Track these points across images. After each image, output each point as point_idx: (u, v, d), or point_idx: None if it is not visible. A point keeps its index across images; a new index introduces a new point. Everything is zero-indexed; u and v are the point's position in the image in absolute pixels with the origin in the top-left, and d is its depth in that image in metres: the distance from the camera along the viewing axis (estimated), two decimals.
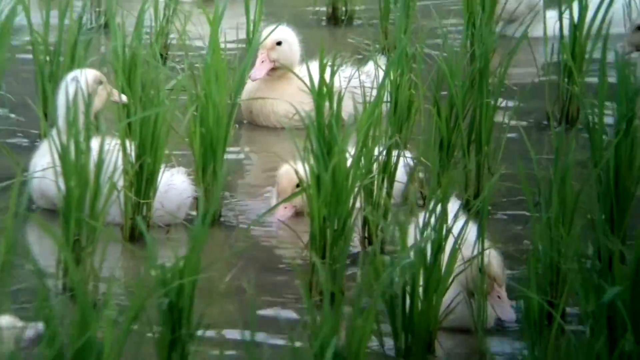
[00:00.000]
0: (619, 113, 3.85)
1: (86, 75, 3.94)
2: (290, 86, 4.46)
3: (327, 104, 3.74)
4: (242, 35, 4.80)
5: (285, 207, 3.84)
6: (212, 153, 4.01)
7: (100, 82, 3.99)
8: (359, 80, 4.32)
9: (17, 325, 3.05)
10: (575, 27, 4.60)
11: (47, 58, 4.27)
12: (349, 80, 4.31)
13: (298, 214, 3.92)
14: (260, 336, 3.13)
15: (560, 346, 3.20)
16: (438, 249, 3.31)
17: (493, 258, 3.44)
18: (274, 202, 3.92)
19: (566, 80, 4.65)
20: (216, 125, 3.98)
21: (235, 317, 3.51)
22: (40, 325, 3.00)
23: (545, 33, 4.75)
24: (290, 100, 4.43)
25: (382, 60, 4.30)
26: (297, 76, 4.22)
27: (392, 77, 4.05)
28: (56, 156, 3.64)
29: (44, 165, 3.87)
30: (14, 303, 3.41)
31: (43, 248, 3.78)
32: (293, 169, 3.75)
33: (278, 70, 4.50)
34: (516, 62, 4.64)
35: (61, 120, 3.85)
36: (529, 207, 3.55)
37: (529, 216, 3.57)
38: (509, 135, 4.27)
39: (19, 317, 3.11)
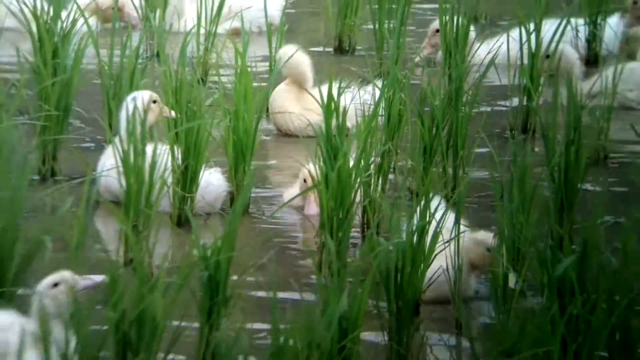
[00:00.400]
0: (567, 124, 3.91)
1: (143, 95, 3.98)
2: (305, 103, 4.52)
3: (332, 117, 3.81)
4: (266, 61, 4.87)
5: (314, 202, 3.83)
6: (242, 156, 4.09)
7: (154, 101, 4.06)
8: (360, 99, 4.38)
9: (75, 278, 3.06)
10: (533, 56, 4.64)
11: (111, 81, 4.35)
12: (352, 99, 4.33)
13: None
14: (280, 300, 3.19)
15: (521, 312, 3.23)
16: (422, 232, 3.35)
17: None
18: (295, 197, 3.92)
19: (525, 97, 4.67)
20: (245, 134, 4.07)
21: (261, 287, 3.55)
22: (96, 277, 3.05)
23: (508, 60, 4.78)
24: (305, 114, 4.46)
25: (379, 83, 4.37)
26: (311, 95, 4.28)
27: (385, 96, 4.13)
28: (118, 159, 3.73)
29: (109, 166, 3.93)
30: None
31: (108, 233, 3.84)
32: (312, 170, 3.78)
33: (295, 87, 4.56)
34: (486, 83, 4.69)
35: (122, 131, 3.91)
36: (495, 200, 3.61)
37: (495, 206, 3.64)
38: (480, 141, 4.34)
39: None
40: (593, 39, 5.32)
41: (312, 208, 3.83)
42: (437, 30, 4.83)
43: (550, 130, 3.91)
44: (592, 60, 5.26)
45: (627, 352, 3.23)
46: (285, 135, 4.62)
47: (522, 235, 3.50)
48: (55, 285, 3.06)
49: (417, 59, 4.94)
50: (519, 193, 3.58)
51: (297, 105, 4.48)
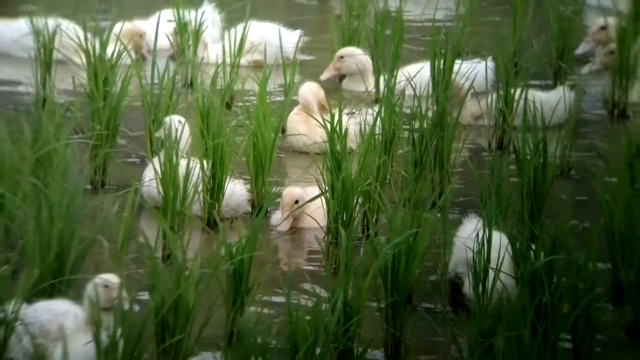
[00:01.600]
0: (534, 142, 3.96)
1: (174, 119, 4.03)
2: (312, 126, 4.57)
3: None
4: (281, 88, 4.91)
5: (286, 220, 3.85)
6: (261, 169, 4.14)
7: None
8: (361, 120, 4.44)
9: (116, 281, 3.08)
10: (507, 84, 4.71)
11: (152, 106, 4.39)
12: (349, 117, 4.37)
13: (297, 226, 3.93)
14: (294, 290, 3.22)
15: (498, 300, 3.24)
16: (415, 236, 3.39)
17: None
18: (278, 214, 3.94)
19: (501, 119, 4.73)
20: (264, 150, 4.14)
21: (278, 279, 3.58)
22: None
23: (487, 87, 4.85)
24: (313, 134, 4.50)
25: (376, 108, 4.41)
26: (316, 119, 4.35)
27: (382, 117, 4.19)
28: (158, 171, 3.80)
29: (150, 177, 3.97)
30: (129, 270, 3.47)
31: (149, 233, 3.85)
32: (295, 189, 3.83)
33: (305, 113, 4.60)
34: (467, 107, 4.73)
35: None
36: (478, 205, 3.65)
37: (474, 211, 3.69)
38: (462, 157, 4.36)
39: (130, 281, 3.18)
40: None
41: (283, 226, 3.86)
42: (602, 27, 4.93)
43: (523, 147, 3.95)
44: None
45: (588, 336, 3.25)
46: (297, 151, 4.65)
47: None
48: (105, 286, 3.07)
49: (582, 47, 4.93)
50: (496, 200, 3.63)
51: (306, 127, 4.54)
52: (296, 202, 3.90)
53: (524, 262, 3.26)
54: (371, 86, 4.76)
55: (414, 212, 3.46)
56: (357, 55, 4.93)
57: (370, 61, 4.95)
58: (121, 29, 4.71)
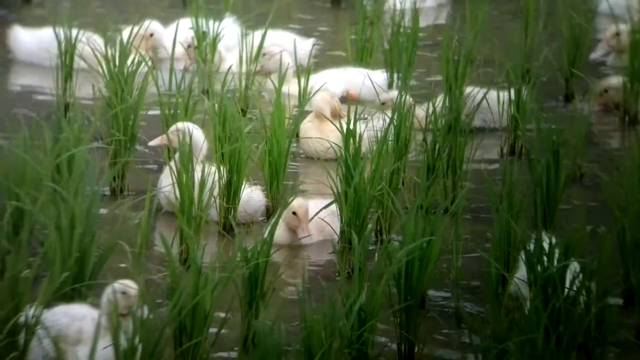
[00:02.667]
0: (547, 147, 3.95)
1: (189, 126, 4.05)
2: (326, 129, 4.57)
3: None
4: (296, 95, 4.91)
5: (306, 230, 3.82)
6: (276, 175, 4.16)
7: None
8: (373, 126, 4.42)
9: (134, 288, 3.10)
10: (519, 91, 4.69)
11: (169, 111, 4.42)
12: (366, 125, 4.39)
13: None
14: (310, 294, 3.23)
15: (511, 304, 3.24)
16: (429, 242, 3.38)
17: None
18: (282, 226, 3.88)
19: (514, 126, 4.71)
20: (279, 156, 4.15)
21: (293, 282, 3.59)
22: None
23: (498, 95, 4.83)
24: (324, 141, 4.53)
25: (389, 113, 4.42)
26: (333, 123, 4.35)
27: (395, 124, 4.19)
28: (175, 176, 3.81)
29: (167, 182, 3.99)
30: (148, 273, 3.49)
31: (166, 237, 3.87)
32: (302, 201, 3.82)
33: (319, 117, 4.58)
34: (480, 114, 4.70)
35: (176, 154, 3.98)
36: (491, 210, 3.65)
37: (486, 216, 3.68)
38: (474, 163, 4.34)
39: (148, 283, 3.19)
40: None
41: (302, 232, 3.84)
42: (616, 34, 4.98)
43: (535, 152, 3.95)
44: None
45: (600, 340, 3.24)
46: (310, 157, 4.66)
47: (512, 241, 3.53)
48: (123, 293, 3.10)
49: (596, 53, 4.95)
50: (508, 205, 3.63)
51: (318, 134, 4.57)
52: (293, 213, 3.88)
53: (536, 267, 3.24)
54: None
55: (427, 217, 3.44)
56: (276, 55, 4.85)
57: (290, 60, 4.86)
58: (132, 35, 4.69)
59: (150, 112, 4.60)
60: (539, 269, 3.23)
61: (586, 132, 4.51)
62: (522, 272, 3.40)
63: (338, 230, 3.87)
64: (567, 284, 3.22)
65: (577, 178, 4.49)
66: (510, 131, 4.69)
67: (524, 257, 3.32)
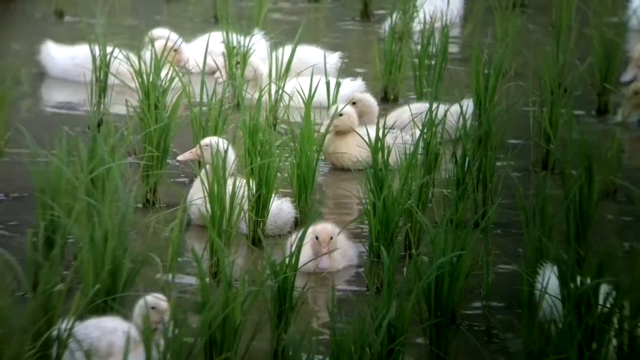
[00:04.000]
0: (580, 163, 3.91)
1: (218, 140, 4.07)
2: (354, 141, 4.53)
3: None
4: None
5: (327, 256, 3.73)
6: (304, 188, 4.16)
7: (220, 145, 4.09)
8: (402, 139, 4.38)
9: (165, 303, 3.10)
10: (552, 105, 4.65)
11: (201, 124, 4.43)
12: (395, 139, 4.37)
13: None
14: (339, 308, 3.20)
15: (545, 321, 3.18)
16: (459, 257, 3.34)
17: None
18: (309, 250, 3.77)
19: (546, 140, 4.66)
20: (307, 169, 4.15)
21: (322, 297, 3.58)
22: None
23: (530, 108, 4.79)
24: (353, 151, 4.50)
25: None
26: (360, 136, 4.36)
27: (424, 137, 4.17)
28: (205, 190, 3.81)
29: (198, 196, 3.99)
30: (178, 286, 3.50)
31: (197, 250, 3.87)
32: (328, 226, 3.75)
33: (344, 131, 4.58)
34: (512, 127, 4.68)
35: (208, 167, 3.98)
36: (521, 225, 3.59)
37: (517, 231, 3.62)
38: (505, 176, 4.30)
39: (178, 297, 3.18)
40: None
41: (325, 262, 3.75)
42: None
43: (566, 168, 3.90)
44: None
45: (634, 359, 3.17)
46: (338, 169, 4.64)
47: (544, 256, 3.48)
48: (154, 307, 3.10)
49: (626, 75, 4.90)
50: (540, 220, 3.58)
51: (345, 147, 4.57)
52: (330, 238, 3.83)
53: (570, 283, 3.19)
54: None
55: (456, 232, 3.40)
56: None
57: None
58: (165, 50, 4.72)
59: (184, 127, 4.63)
60: (572, 285, 3.17)
61: (619, 146, 4.45)
62: (552, 287, 3.36)
63: (355, 258, 3.80)
64: (600, 302, 3.16)
65: (611, 193, 4.41)
66: (542, 145, 4.65)
67: (556, 272, 3.28)
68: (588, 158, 3.90)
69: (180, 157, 4.16)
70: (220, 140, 4.09)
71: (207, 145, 4.05)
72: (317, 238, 3.80)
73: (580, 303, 3.16)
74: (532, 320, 3.31)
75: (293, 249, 3.37)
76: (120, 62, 4.78)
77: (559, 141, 4.58)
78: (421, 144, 4.11)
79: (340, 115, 4.56)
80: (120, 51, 4.80)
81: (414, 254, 3.43)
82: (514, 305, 3.54)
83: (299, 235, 3.43)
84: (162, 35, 5.07)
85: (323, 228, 3.82)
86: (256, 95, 4.58)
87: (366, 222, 3.84)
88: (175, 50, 4.86)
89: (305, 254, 3.73)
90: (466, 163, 4.13)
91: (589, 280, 3.17)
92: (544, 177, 4.31)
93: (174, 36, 5.14)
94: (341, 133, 4.55)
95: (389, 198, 3.77)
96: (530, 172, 4.60)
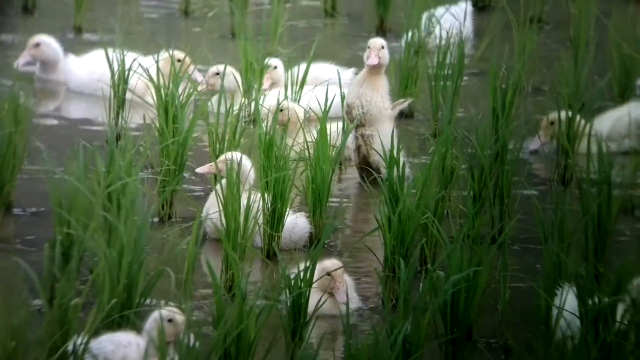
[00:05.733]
0: (599, 178, 3.88)
1: (238, 156, 4.09)
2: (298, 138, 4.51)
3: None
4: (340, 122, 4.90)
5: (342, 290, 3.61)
6: (319, 202, 4.16)
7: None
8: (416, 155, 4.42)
9: (180, 317, 3.09)
10: (570, 120, 4.62)
11: (217, 138, 4.44)
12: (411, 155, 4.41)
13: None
14: (354, 325, 3.16)
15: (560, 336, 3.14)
16: (475, 273, 3.31)
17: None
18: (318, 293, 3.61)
19: (565, 155, 4.63)
20: (322, 183, 4.15)
21: (336, 311, 3.55)
22: None
23: (547, 121, 4.75)
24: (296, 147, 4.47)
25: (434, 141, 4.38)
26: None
27: (440, 152, 4.16)
28: (220, 204, 3.82)
29: (213, 210, 4.00)
30: (194, 300, 3.50)
31: (212, 264, 3.86)
32: (336, 261, 3.65)
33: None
34: (528, 142, 4.64)
35: (224, 181, 3.97)
36: (539, 241, 3.56)
37: (534, 247, 3.59)
38: (523, 191, 4.26)
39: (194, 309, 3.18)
40: None
41: (342, 296, 3.64)
42: (552, 123, 4.79)
43: (587, 182, 3.87)
44: None
45: None
46: (356, 183, 4.65)
47: (562, 272, 3.46)
48: (170, 320, 3.10)
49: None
50: (559, 237, 3.55)
51: (289, 142, 4.52)
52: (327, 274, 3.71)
53: (588, 298, 3.17)
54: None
55: (473, 247, 3.38)
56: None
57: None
58: (184, 64, 4.73)
59: (196, 136, 4.61)
60: (590, 302, 3.14)
61: (637, 162, 4.42)
62: (570, 304, 3.32)
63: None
64: (618, 318, 3.14)
65: (629, 210, 4.38)
66: (560, 160, 4.62)
67: (575, 290, 3.24)
68: (607, 174, 3.87)
69: (199, 170, 4.17)
70: (238, 155, 4.10)
71: (227, 160, 4.07)
72: (328, 274, 3.69)
73: (598, 320, 3.12)
74: (550, 336, 3.27)
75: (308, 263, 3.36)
76: (139, 76, 4.79)
77: (577, 156, 4.57)
78: (436, 158, 4.11)
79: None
80: (139, 65, 4.82)
81: (429, 269, 3.42)
82: (531, 322, 3.51)
83: (315, 248, 3.42)
84: (178, 55, 5.06)
85: (333, 264, 3.71)
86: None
87: (381, 235, 3.84)
88: (179, 60, 4.86)
89: (315, 298, 3.47)
90: (482, 177, 4.11)
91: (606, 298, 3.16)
92: (563, 192, 4.31)
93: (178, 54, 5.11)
94: (285, 127, 4.51)
95: (405, 212, 3.75)
96: (548, 187, 4.57)
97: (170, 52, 4.88)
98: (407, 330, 3.13)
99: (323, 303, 3.48)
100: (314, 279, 3.51)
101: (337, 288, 3.63)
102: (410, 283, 3.30)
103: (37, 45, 5.30)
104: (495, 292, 3.59)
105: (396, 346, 3.10)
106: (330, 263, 3.72)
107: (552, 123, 4.81)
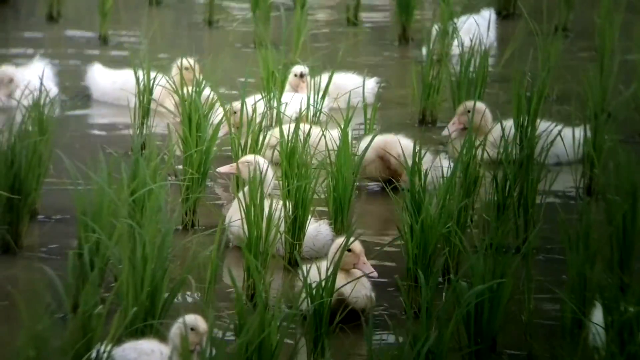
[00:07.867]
0: (625, 188, 3.83)
1: (260, 160, 4.08)
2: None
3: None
4: (361, 130, 4.88)
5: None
6: (340, 210, 4.15)
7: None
8: (441, 162, 4.33)
9: (203, 325, 3.08)
10: (595, 130, 4.58)
11: (240, 146, 4.43)
12: (433, 162, 4.34)
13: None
14: (377, 335, 3.15)
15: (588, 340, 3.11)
16: (499, 284, 3.28)
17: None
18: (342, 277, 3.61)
19: (589, 164, 4.57)
20: (344, 191, 4.15)
21: (358, 320, 3.53)
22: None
23: (573, 133, 4.72)
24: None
25: (458, 148, 4.34)
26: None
27: (463, 160, 4.13)
28: (243, 212, 3.82)
29: (236, 218, 4.00)
30: (216, 308, 3.50)
31: (235, 272, 3.86)
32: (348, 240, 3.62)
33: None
34: (553, 151, 4.58)
35: (246, 188, 3.97)
36: (564, 252, 3.53)
37: (559, 257, 3.55)
38: (547, 201, 4.21)
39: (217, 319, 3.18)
40: None
41: (369, 268, 3.61)
42: (469, 111, 4.76)
43: (611, 193, 3.84)
44: None
45: None
46: (375, 192, 4.64)
47: (587, 282, 3.42)
48: (193, 328, 3.09)
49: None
50: (584, 247, 3.51)
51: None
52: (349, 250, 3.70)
53: (613, 309, 3.14)
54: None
55: (497, 257, 3.34)
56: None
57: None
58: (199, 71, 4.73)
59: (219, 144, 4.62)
60: (615, 313, 3.12)
61: None
62: (597, 316, 3.28)
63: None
64: None
65: None
66: (585, 169, 4.57)
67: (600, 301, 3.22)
68: (632, 184, 3.83)
69: (219, 169, 4.17)
70: (260, 158, 4.10)
71: (247, 162, 4.07)
72: (349, 250, 3.68)
73: (623, 330, 3.08)
74: (575, 348, 3.23)
75: (329, 272, 3.34)
76: (163, 87, 4.82)
77: (602, 166, 4.53)
78: (460, 167, 4.07)
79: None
80: (162, 76, 4.86)
81: (452, 279, 3.39)
82: (556, 333, 3.48)
83: (335, 257, 3.40)
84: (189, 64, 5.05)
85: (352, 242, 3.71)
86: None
87: (403, 244, 3.82)
88: (187, 69, 4.85)
89: (340, 282, 3.59)
90: (507, 186, 4.07)
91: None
92: (588, 202, 4.25)
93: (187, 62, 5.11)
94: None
95: (427, 221, 3.73)
96: (573, 197, 4.53)
97: (181, 60, 4.90)
98: (431, 340, 3.10)
99: (348, 283, 3.44)
100: (334, 257, 3.48)
101: (362, 262, 3.57)
102: (432, 293, 3.26)
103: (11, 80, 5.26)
104: (520, 302, 3.56)
105: (420, 357, 3.08)
106: (342, 240, 3.69)
107: (468, 111, 4.72)
